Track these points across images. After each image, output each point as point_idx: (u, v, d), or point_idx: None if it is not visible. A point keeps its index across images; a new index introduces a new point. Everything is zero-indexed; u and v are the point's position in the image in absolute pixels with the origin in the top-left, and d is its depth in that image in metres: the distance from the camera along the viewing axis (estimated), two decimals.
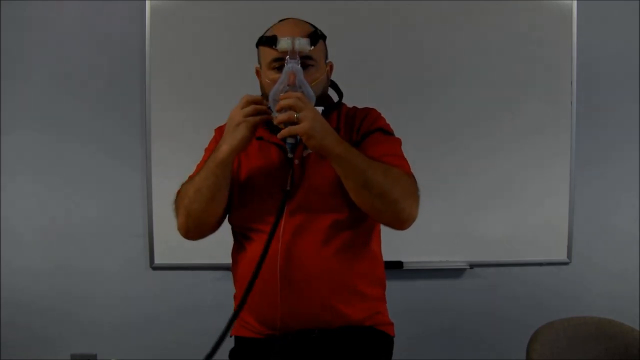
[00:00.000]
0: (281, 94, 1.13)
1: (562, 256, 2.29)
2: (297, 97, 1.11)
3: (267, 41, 1.21)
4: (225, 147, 1.15)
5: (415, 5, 2.21)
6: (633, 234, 2.35)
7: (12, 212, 2.24)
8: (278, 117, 1.11)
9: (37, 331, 2.25)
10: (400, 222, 1.18)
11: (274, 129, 1.22)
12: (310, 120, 1.10)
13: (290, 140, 1.14)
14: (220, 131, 1.33)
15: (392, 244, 2.10)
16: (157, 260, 2.23)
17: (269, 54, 1.22)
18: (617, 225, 2.34)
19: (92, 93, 2.24)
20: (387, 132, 1.29)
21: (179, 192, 1.24)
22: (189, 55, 2.19)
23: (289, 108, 1.10)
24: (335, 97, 1.36)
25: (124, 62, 2.23)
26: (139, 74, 2.20)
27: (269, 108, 1.18)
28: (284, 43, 1.17)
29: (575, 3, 2.24)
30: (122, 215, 2.25)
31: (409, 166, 1.24)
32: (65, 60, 2.23)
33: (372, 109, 1.34)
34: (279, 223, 1.17)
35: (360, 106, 1.36)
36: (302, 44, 1.17)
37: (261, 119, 1.16)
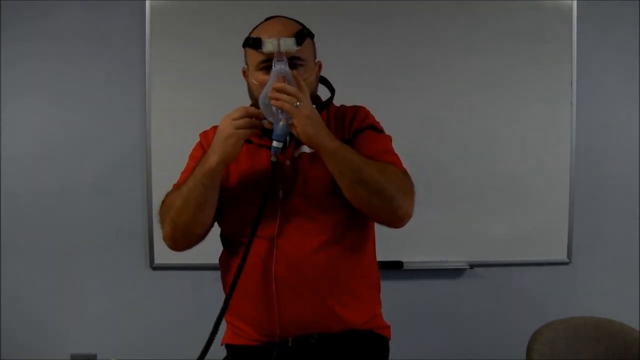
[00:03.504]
0: (275, 84, 1.11)
1: (562, 256, 2.29)
2: (296, 90, 1.10)
3: (252, 43, 1.18)
4: (214, 158, 1.13)
5: (415, 5, 2.21)
6: (633, 234, 2.35)
7: (12, 212, 2.24)
8: (275, 103, 1.09)
9: (37, 331, 2.26)
10: (397, 219, 1.16)
11: (264, 132, 1.21)
12: (309, 108, 1.11)
13: (276, 145, 1.12)
14: (205, 136, 1.31)
15: (392, 244, 2.13)
16: (157, 260, 2.23)
17: (255, 56, 1.19)
18: (617, 225, 2.34)
19: (91, 94, 2.23)
20: (377, 129, 1.27)
21: (163, 202, 1.22)
22: (189, 55, 2.19)
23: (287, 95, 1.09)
24: (323, 97, 1.33)
25: (124, 62, 2.23)
26: (139, 74, 2.20)
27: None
28: (269, 45, 1.14)
29: (575, 3, 2.24)
30: (122, 215, 2.25)
31: (401, 163, 1.23)
32: (65, 60, 2.23)
33: (361, 107, 1.31)
34: (259, 224, 1.15)
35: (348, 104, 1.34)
36: (288, 44, 1.14)
37: (252, 132, 1.14)
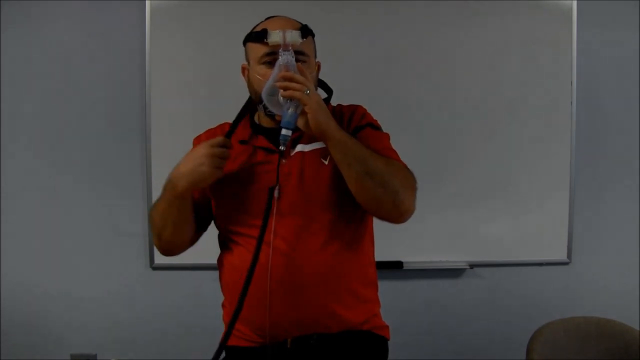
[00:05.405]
0: (284, 73, 1.10)
1: (562, 256, 2.29)
2: (304, 79, 1.10)
3: (256, 36, 1.18)
4: (182, 184, 1.14)
5: (416, 5, 2.21)
6: (633, 234, 2.35)
7: (12, 211, 2.24)
8: (285, 92, 1.09)
9: (37, 331, 2.25)
10: (399, 213, 1.15)
11: (259, 131, 1.21)
12: (318, 96, 1.11)
13: (285, 132, 1.09)
14: (199, 142, 1.29)
15: (392, 244, 2.13)
16: (157, 260, 2.23)
17: (258, 49, 1.19)
18: (617, 225, 2.34)
19: (91, 93, 2.23)
20: (376, 127, 1.28)
21: (150, 214, 1.28)
22: (189, 55, 2.19)
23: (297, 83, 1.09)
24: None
25: (124, 62, 2.22)
26: (139, 74, 2.20)
27: (263, 105, 1.16)
28: (275, 36, 1.14)
29: (575, 3, 2.24)
30: (122, 215, 2.25)
31: (401, 160, 1.23)
32: (65, 60, 2.22)
33: (359, 106, 1.32)
34: (268, 224, 1.14)
35: (346, 104, 1.34)
36: (294, 36, 1.14)
37: (220, 172, 1.15)
